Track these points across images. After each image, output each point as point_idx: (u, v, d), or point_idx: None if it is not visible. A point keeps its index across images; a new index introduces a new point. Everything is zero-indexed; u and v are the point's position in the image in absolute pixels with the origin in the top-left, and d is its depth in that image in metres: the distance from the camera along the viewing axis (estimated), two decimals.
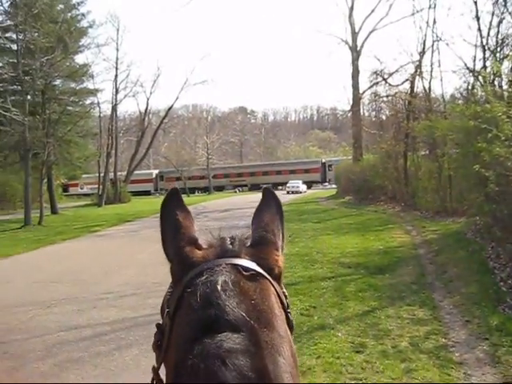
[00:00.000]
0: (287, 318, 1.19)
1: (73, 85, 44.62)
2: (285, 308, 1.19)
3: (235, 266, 1.12)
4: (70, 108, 42.50)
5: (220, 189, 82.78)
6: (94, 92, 48.97)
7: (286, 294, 1.25)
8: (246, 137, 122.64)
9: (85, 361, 6.99)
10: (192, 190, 76.81)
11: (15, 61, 31.94)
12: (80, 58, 54.19)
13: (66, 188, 78.58)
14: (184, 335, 1.05)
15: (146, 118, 63.86)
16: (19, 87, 33.03)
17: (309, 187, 68.49)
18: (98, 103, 52.22)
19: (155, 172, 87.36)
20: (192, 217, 1.31)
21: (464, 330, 7.18)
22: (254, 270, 1.13)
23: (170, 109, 66.74)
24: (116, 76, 54.76)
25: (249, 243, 1.23)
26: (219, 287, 1.06)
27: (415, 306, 8.44)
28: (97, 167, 54.14)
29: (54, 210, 40.81)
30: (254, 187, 75.03)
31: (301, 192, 59.87)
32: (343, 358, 6.36)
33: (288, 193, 59.08)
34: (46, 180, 36.29)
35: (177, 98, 62.42)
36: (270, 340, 1.02)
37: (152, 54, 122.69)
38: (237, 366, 0.94)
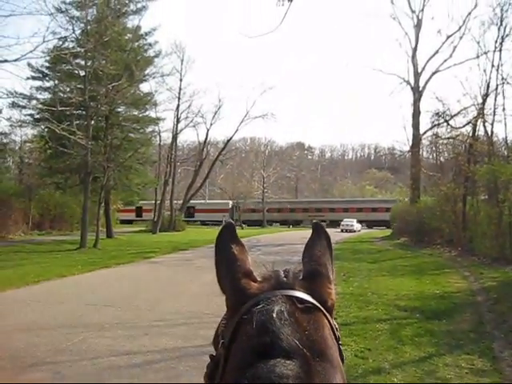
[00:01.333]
0: (339, 349, 1.19)
1: (136, 112, 45.43)
2: (337, 340, 1.20)
3: (290, 297, 1.14)
4: (131, 135, 43.34)
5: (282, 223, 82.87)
6: (155, 120, 49.79)
7: (337, 326, 1.25)
8: (302, 172, 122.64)
9: None
10: (245, 223, 76.98)
11: (82, 86, 32.83)
12: (144, 87, 55.17)
13: (139, 213, 79.66)
14: (239, 361, 1.07)
15: (205, 149, 64.46)
16: (84, 112, 33.84)
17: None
18: (159, 132, 53.16)
19: (230, 202, 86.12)
20: (246, 250, 1.32)
21: None
22: (309, 302, 1.15)
23: (228, 141, 67.27)
24: (178, 106, 55.65)
25: (301, 276, 1.24)
26: (274, 315, 1.07)
27: (474, 355, 8.13)
28: (154, 194, 54.78)
29: (109, 234, 41.41)
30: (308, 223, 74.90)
31: (355, 231, 59.34)
32: None
33: (342, 231, 58.63)
34: (103, 204, 36.87)
35: (236, 131, 62.90)
36: (323, 369, 1.03)
37: (214, 85, 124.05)
38: None
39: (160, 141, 54.99)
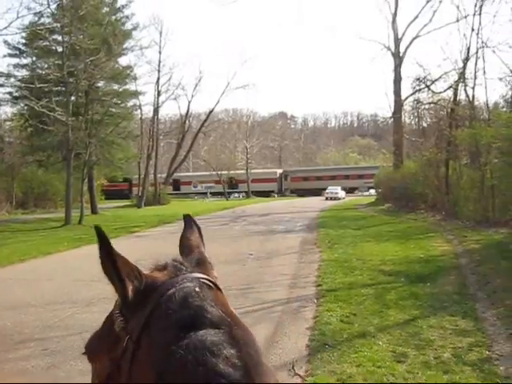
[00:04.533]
0: None
1: (116, 86, 45.04)
2: None
3: (197, 278, 1.21)
4: (112, 109, 42.99)
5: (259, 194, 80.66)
6: (136, 94, 49.42)
7: None
8: (285, 142, 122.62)
9: None
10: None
11: (60, 62, 32.42)
12: (123, 60, 54.58)
13: (177, 186, 78.46)
14: (163, 339, 1.10)
15: (187, 122, 64.12)
16: (63, 88, 33.50)
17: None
18: (140, 105, 52.70)
19: (279, 171, 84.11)
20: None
21: (509, 343, 6.99)
22: (211, 281, 1.24)
23: (210, 112, 66.91)
24: (158, 79, 55.16)
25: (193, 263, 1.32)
26: (193, 292, 1.15)
27: (457, 316, 8.27)
28: (137, 169, 54.60)
29: (94, 210, 41.31)
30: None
31: (339, 198, 59.54)
32: (384, 367, 6.25)
33: (327, 199, 58.84)
34: (86, 180, 36.71)
35: (218, 102, 62.63)
36: (245, 334, 1.12)
37: (194, 57, 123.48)
38: (226, 355, 1.03)
39: (141, 114, 54.63)
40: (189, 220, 1.54)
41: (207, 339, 1.04)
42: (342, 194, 62.38)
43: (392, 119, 42.01)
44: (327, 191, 62.63)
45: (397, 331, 7.64)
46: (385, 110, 76.71)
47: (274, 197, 73.74)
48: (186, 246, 1.43)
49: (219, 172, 73.37)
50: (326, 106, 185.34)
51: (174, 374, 1.04)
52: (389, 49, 41.05)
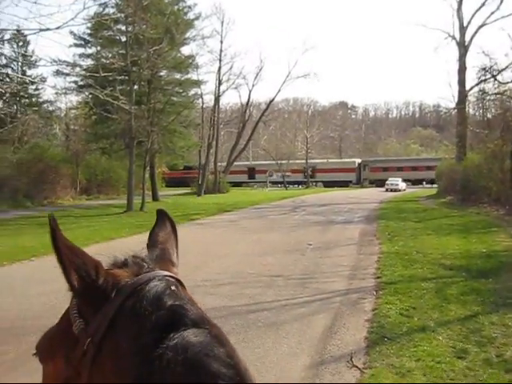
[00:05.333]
0: None
1: (178, 76, 45.54)
2: None
3: (165, 276, 1.15)
4: (174, 98, 43.50)
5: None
6: (197, 83, 49.78)
7: None
8: (345, 132, 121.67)
9: None
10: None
11: (124, 52, 32.99)
12: (185, 50, 54.89)
13: (252, 174, 79.27)
14: (137, 344, 1.02)
15: (248, 111, 64.30)
16: (127, 77, 34.08)
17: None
18: (201, 94, 53.11)
19: (357, 161, 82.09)
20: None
21: None
22: (177, 279, 1.18)
23: (271, 102, 66.93)
24: (219, 68, 55.45)
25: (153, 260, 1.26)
26: (167, 291, 1.09)
27: None
28: (198, 157, 55.04)
29: (155, 197, 41.94)
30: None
31: (399, 190, 58.75)
32: (444, 362, 6.17)
33: (387, 190, 58.15)
34: (148, 168, 37.30)
35: (278, 91, 62.86)
36: (222, 334, 1.07)
37: (255, 46, 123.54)
38: (217, 355, 0.99)
39: (202, 103, 55.11)
40: (162, 215, 1.45)
41: (195, 339, 0.99)
42: (402, 185, 61.48)
43: (455, 110, 41.10)
44: (387, 182, 61.82)
45: (457, 327, 7.52)
46: (448, 101, 75.16)
47: (351, 187, 72.57)
48: (152, 242, 1.36)
49: (279, 161, 73.28)
50: (388, 95, 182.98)
51: (162, 377, 0.97)
52: (453, 38, 40.13)
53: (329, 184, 73.77)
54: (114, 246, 17.59)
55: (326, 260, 13.77)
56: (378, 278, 11.05)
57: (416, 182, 70.99)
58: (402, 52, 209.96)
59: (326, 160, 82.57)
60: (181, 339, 0.98)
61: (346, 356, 6.55)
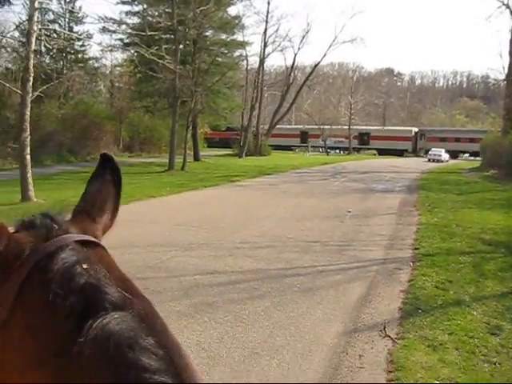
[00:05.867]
0: None
1: (223, 36, 45.25)
2: None
3: (76, 241, 0.97)
4: (219, 59, 43.28)
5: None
6: (243, 44, 49.40)
7: None
8: (390, 99, 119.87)
9: (218, 306, 7.26)
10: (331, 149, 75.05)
11: (170, 10, 32.93)
12: (232, 10, 54.55)
13: (304, 138, 78.04)
14: (49, 333, 0.86)
15: (292, 74, 63.73)
16: (172, 36, 34.10)
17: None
18: (247, 56, 52.78)
19: (414, 129, 79.33)
20: None
21: None
22: (95, 242, 1.01)
23: (316, 66, 66.11)
24: (265, 30, 54.87)
25: (67, 218, 1.07)
26: (78, 266, 0.90)
27: None
28: (240, 119, 54.98)
29: (196, 157, 42.22)
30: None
31: (442, 161, 57.85)
32: (477, 338, 6.17)
33: (429, 161, 57.34)
34: (190, 127, 37.45)
35: (324, 55, 62.06)
36: (146, 308, 0.89)
37: (303, 8, 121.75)
38: (144, 346, 0.82)
39: (247, 65, 54.80)
40: (103, 158, 1.19)
41: (116, 328, 0.82)
42: (445, 156, 60.43)
43: (505, 82, 40.15)
44: (430, 153, 60.84)
45: (493, 303, 7.49)
46: (497, 72, 73.52)
47: (406, 156, 71.15)
48: (85, 193, 1.15)
49: (321, 126, 72.67)
50: (435, 64, 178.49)
51: (81, 378, 0.81)
52: (507, 6, 39.00)
53: (383, 152, 72.32)
54: (155, 203, 17.87)
55: (364, 228, 13.78)
56: (416, 249, 11.02)
57: (474, 154, 68.52)
58: (451, 19, 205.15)
59: (381, 127, 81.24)
60: (99, 330, 0.81)
61: (379, 325, 6.60)
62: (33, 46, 17.56)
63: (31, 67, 17.19)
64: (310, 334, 6.32)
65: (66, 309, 0.85)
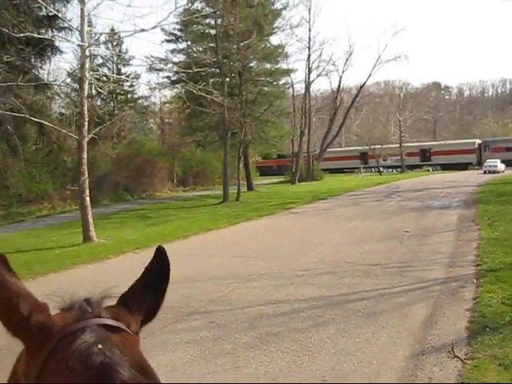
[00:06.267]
0: None
1: (268, 66, 45.69)
2: None
3: (100, 325, 1.05)
4: (265, 88, 43.72)
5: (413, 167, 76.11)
6: (287, 72, 49.69)
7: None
8: (439, 114, 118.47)
9: (284, 335, 7.28)
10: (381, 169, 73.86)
11: (214, 45, 33.52)
12: (274, 40, 55.08)
13: (364, 159, 77.73)
14: None
15: (339, 97, 63.76)
16: (217, 70, 34.65)
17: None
18: (292, 83, 53.20)
19: (477, 141, 76.47)
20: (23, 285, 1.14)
21: None
22: (120, 328, 1.08)
23: (362, 86, 65.94)
24: (309, 56, 55.16)
25: (105, 303, 1.15)
26: (95, 346, 0.99)
27: None
28: (291, 146, 55.12)
29: (249, 187, 42.47)
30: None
31: (498, 172, 56.62)
32: None
33: (485, 172, 56.18)
34: (242, 158, 37.77)
35: (369, 76, 62.01)
36: None
37: (344, 32, 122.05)
38: None
39: (293, 92, 55.14)
40: (159, 251, 1.22)
41: None
42: (501, 167, 59.15)
43: None
44: (485, 164, 59.53)
45: None
46: None
47: (471, 169, 68.42)
48: (135, 282, 1.21)
49: (372, 146, 72.14)
50: (483, 73, 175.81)
51: None
52: None
53: (447, 167, 70.15)
54: (212, 236, 18.07)
55: (423, 247, 13.63)
56: (478, 265, 10.82)
57: None
58: (495, 27, 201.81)
59: (443, 142, 79.43)
60: None
61: (446, 346, 6.52)
62: (86, 92, 18.11)
63: (85, 112, 17.71)
64: (378, 359, 6.29)
65: (81, 381, 0.94)
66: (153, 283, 1.18)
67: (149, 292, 1.18)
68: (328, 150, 63.41)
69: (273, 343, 6.99)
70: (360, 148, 78.17)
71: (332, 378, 5.81)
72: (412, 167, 74.65)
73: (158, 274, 1.20)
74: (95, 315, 1.08)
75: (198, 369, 6.25)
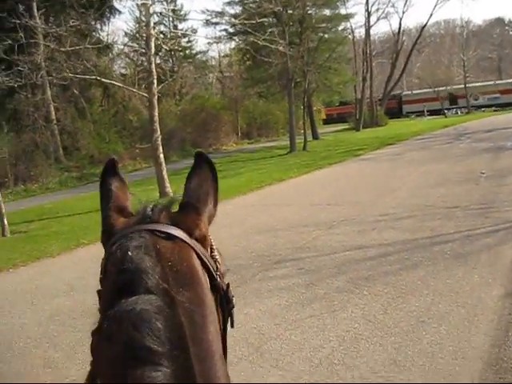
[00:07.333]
0: (212, 279, 1.20)
1: (327, 12, 44.94)
2: (209, 270, 1.20)
3: (152, 230, 1.13)
4: (325, 35, 43.09)
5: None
6: (347, 17, 48.76)
7: (217, 257, 1.29)
8: (505, 51, 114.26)
9: (375, 279, 7.40)
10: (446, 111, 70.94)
11: None
12: None
13: (454, 99, 72.77)
14: (104, 302, 1.09)
15: (399, 39, 62.27)
16: (275, 20, 34.31)
17: None
18: (352, 28, 52.23)
19: None
20: (127, 185, 1.33)
21: None
22: (170, 233, 1.14)
23: (423, 28, 64.14)
24: None
25: (171, 209, 1.24)
26: (130, 251, 1.06)
27: None
28: (353, 92, 54.39)
29: (315, 136, 42.22)
30: None
31: None
32: None
33: None
34: (306, 106, 37.55)
35: (431, 15, 60.03)
36: (187, 299, 1.04)
37: None
38: (148, 326, 0.95)
39: (353, 37, 54.06)
40: (199, 157, 1.36)
41: (131, 308, 0.97)
42: None
43: None
44: None
45: None
46: None
47: None
48: (185, 188, 1.31)
49: (436, 89, 70.28)
50: None
51: (100, 348, 1.02)
52: None
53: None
54: (286, 186, 18.27)
55: (502, 188, 13.39)
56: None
57: None
58: None
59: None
60: (120, 307, 0.98)
61: None
62: (153, 50, 18.26)
63: (154, 70, 17.91)
64: (472, 299, 6.33)
65: (111, 285, 1.06)
66: (205, 183, 1.31)
67: (205, 191, 1.30)
68: (407, 92, 61.47)
69: (365, 287, 7.11)
70: (448, 88, 72.79)
71: (429, 318, 5.91)
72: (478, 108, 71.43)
73: (206, 174, 1.33)
74: (153, 221, 1.17)
75: (295, 313, 6.44)
